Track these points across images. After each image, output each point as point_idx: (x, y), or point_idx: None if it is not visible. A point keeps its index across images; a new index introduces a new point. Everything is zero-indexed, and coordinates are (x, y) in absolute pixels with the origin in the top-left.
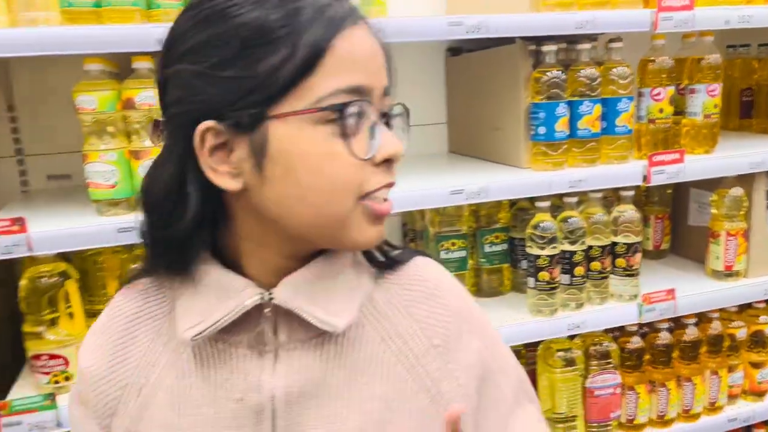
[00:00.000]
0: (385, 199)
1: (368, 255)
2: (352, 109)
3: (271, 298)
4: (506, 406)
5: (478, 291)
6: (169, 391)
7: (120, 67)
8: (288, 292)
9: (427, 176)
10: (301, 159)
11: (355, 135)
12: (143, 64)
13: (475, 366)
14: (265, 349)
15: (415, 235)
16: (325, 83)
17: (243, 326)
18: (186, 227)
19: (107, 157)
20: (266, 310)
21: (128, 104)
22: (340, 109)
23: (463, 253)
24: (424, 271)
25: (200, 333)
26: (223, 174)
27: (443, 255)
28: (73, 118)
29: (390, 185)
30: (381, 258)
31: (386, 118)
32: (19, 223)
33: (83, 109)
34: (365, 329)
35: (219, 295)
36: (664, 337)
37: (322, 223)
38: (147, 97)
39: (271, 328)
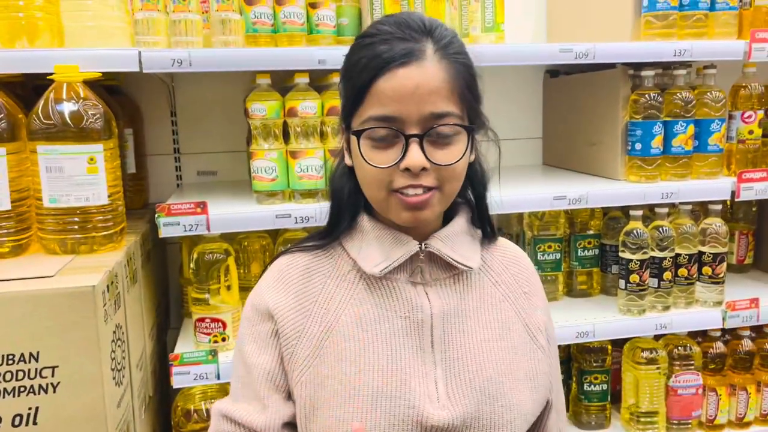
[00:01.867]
0: (417, 193)
1: (482, 228)
2: (377, 132)
3: (426, 247)
4: (555, 350)
5: (570, 292)
6: (351, 314)
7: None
8: (438, 244)
9: (528, 184)
10: (357, 158)
11: (388, 148)
12: (303, 80)
13: (543, 305)
14: (419, 282)
15: (510, 238)
16: (366, 111)
17: (400, 268)
18: (352, 192)
19: (270, 156)
20: (421, 256)
21: (291, 112)
22: (362, 131)
23: (558, 256)
24: (510, 245)
25: (384, 268)
26: (347, 155)
27: (540, 256)
28: (220, 124)
29: (413, 186)
30: (490, 232)
31: (430, 135)
32: (202, 206)
33: (255, 116)
34: (480, 276)
35: (392, 244)
36: (746, 344)
37: (374, 203)
38: (307, 107)
39: (419, 270)
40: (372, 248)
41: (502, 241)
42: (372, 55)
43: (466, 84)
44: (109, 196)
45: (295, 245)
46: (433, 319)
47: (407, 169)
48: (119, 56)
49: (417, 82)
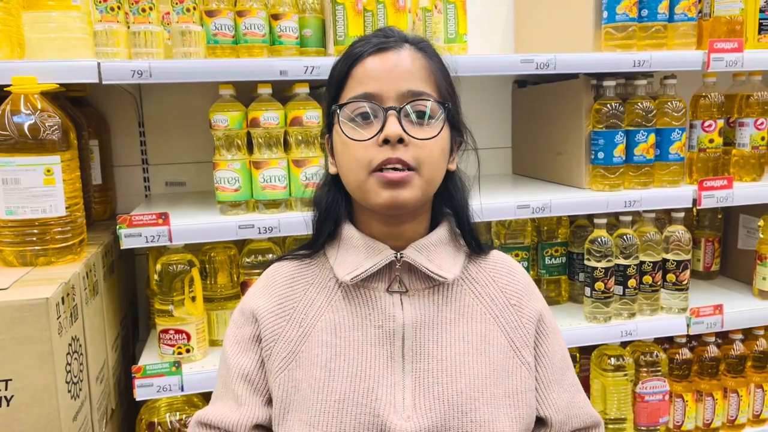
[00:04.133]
0: (396, 169)
1: (466, 241)
2: (356, 109)
3: (401, 257)
4: (553, 366)
5: None
6: (327, 321)
7: (237, 92)
8: (413, 253)
9: (495, 193)
10: (338, 144)
11: (367, 127)
12: (266, 90)
13: (535, 317)
14: (396, 292)
15: None
16: (347, 95)
17: (378, 277)
18: (332, 202)
19: (233, 166)
20: (397, 265)
21: (253, 123)
22: (342, 106)
23: (525, 264)
24: (504, 257)
25: (356, 276)
26: (332, 165)
27: None
28: (188, 134)
29: (393, 160)
30: (474, 245)
31: (405, 111)
32: (163, 217)
33: (217, 126)
34: (462, 288)
35: (367, 253)
36: (711, 351)
37: (355, 191)
38: (269, 117)
39: (398, 279)
40: (348, 256)
41: (495, 254)
42: (350, 51)
43: (443, 76)
44: (67, 208)
45: (287, 253)
46: (404, 329)
47: (385, 141)
48: (78, 67)
49: (395, 62)
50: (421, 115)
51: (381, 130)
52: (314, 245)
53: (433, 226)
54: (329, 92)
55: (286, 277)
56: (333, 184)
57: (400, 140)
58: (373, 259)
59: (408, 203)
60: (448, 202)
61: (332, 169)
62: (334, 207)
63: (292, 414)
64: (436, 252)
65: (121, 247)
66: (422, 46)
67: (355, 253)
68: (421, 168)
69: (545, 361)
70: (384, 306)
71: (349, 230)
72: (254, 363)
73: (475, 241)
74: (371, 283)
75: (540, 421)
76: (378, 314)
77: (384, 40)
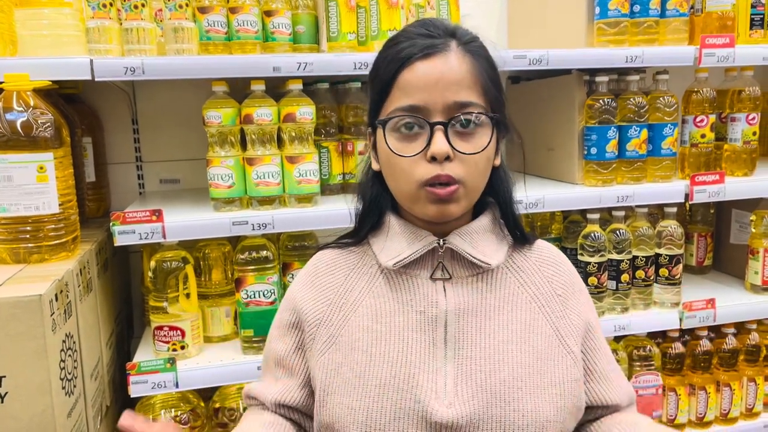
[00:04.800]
0: (446, 186)
1: (510, 232)
2: (402, 121)
3: (445, 243)
4: (606, 356)
5: None
6: (369, 306)
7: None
8: (457, 239)
9: None
10: (383, 153)
11: (414, 139)
12: (259, 87)
13: (583, 312)
14: (438, 279)
15: None
16: (392, 104)
17: (421, 263)
18: (376, 197)
19: (227, 163)
20: (440, 252)
21: (247, 119)
22: (388, 120)
23: None
24: (550, 247)
25: (398, 262)
26: (374, 161)
27: None
28: (182, 131)
29: (439, 176)
30: (519, 235)
31: (457, 124)
32: (157, 214)
33: (210, 123)
34: (507, 276)
35: (410, 239)
36: (704, 345)
37: (401, 199)
38: (263, 113)
39: (441, 266)
40: (392, 243)
41: (540, 244)
42: (396, 51)
43: (490, 78)
44: (60, 205)
45: (332, 242)
46: (447, 315)
47: (433, 158)
48: (71, 64)
49: (441, 71)
50: (468, 124)
51: (428, 146)
52: (356, 235)
53: (476, 213)
54: (372, 90)
55: (327, 264)
56: (376, 179)
57: (447, 156)
58: (416, 245)
59: (454, 215)
60: (492, 194)
61: (375, 166)
62: (378, 201)
63: (334, 397)
64: (480, 239)
65: (115, 244)
66: (470, 47)
67: (399, 240)
68: (467, 180)
69: (599, 353)
70: (426, 292)
71: (392, 219)
72: (288, 348)
73: (519, 231)
74: (414, 270)
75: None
76: (420, 300)
77: (431, 42)
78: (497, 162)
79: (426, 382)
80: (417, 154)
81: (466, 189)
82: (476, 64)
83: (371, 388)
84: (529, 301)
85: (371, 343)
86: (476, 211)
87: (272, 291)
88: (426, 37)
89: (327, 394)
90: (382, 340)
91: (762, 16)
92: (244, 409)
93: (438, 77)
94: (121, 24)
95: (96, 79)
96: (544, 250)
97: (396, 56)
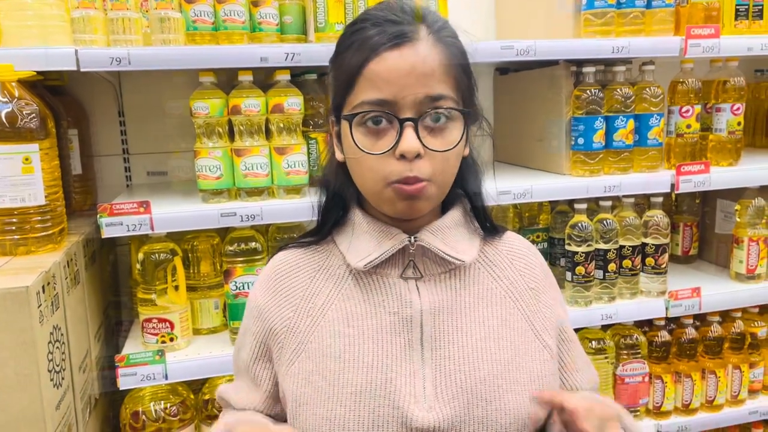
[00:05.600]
0: (413, 183)
1: (480, 223)
2: (370, 117)
3: (415, 240)
4: (576, 348)
5: None
6: (338, 310)
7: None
8: (428, 236)
9: None
10: (349, 148)
11: (382, 135)
12: (247, 78)
13: (553, 306)
14: (411, 278)
15: None
16: (359, 97)
17: (391, 262)
18: (339, 189)
19: (215, 154)
20: (411, 250)
21: (234, 110)
22: (355, 115)
23: None
24: (519, 239)
25: (369, 262)
26: (338, 151)
27: None
28: (169, 123)
29: (408, 175)
30: (489, 227)
31: (427, 118)
32: (144, 205)
33: (198, 114)
34: (480, 271)
35: (379, 238)
36: (689, 333)
37: (368, 195)
38: (250, 104)
39: (412, 264)
40: (360, 242)
41: (510, 236)
42: (363, 39)
43: (462, 68)
44: (46, 197)
45: (292, 242)
46: (423, 315)
47: (402, 156)
48: (55, 55)
49: (411, 63)
50: (438, 119)
51: (397, 143)
52: (320, 232)
53: (445, 207)
54: (336, 79)
55: (290, 266)
56: (340, 170)
57: (417, 154)
58: (386, 244)
59: (424, 212)
60: (460, 185)
61: (339, 156)
62: (342, 194)
63: (307, 408)
64: (451, 234)
65: (102, 236)
66: (441, 35)
67: (367, 239)
68: (437, 176)
69: (570, 345)
70: (399, 292)
71: (359, 215)
72: (253, 356)
73: (489, 222)
74: (384, 269)
75: None
76: (393, 300)
77: (400, 30)
78: (466, 152)
79: (404, 386)
80: (385, 152)
81: (435, 186)
82: (448, 53)
83: (346, 396)
84: (503, 296)
85: (343, 348)
86: (445, 204)
87: None
88: (394, 24)
89: (300, 405)
90: (355, 344)
91: (747, 7)
92: None
93: (408, 70)
94: (106, 14)
95: (81, 70)
96: (514, 242)
97: (363, 45)
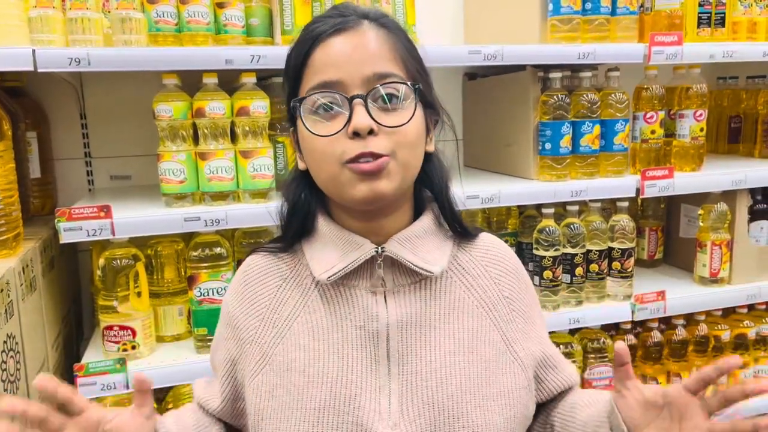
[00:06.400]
0: (369, 161)
1: (450, 226)
2: (318, 100)
3: (383, 251)
4: (551, 345)
5: None
6: (304, 322)
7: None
8: (396, 246)
9: None
10: (303, 140)
11: (333, 119)
12: (212, 80)
13: (529, 311)
14: (378, 290)
15: None
16: (306, 86)
17: (359, 273)
18: (300, 197)
19: (178, 158)
20: (379, 260)
21: (199, 113)
22: (302, 101)
23: None
24: (493, 241)
25: (333, 275)
26: (300, 160)
27: None
28: (133, 126)
29: (367, 154)
30: (459, 230)
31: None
32: (105, 210)
33: (161, 117)
34: (452, 280)
35: (345, 249)
36: (655, 336)
37: (328, 187)
38: (215, 107)
39: (380, 275)
40: (325, 253)
41: (485, 238)
42: (305, 33)
43: (408, 52)
44: (0, 201)
45: (264, 245)
46: (389, 329)
47: (355, 134)
48: (12, 55)
49: (355, 44)
50: (390, 98)
51: (348, 121)
52: (283, 240)
53: (416, 215)
54: (287, 83)
55: (259, 272)
56: (302, 179)
57: (371, 131)
58: (351, 255)
59: (387, 194)
60: (427, 185)
61: (301, 165)
62: (304, 202)
63: (270, 422)
64: (421, 243)
65: (61, 242)
66: (384, 22)
67: (332, 249)
68: (397, 153)
69: (547, 342)
70: (366, 304)
71: (323, 224)
72: (220, 361)
73: (458, 224)
74: (351, 281)
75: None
76: (359, 314)
77: (342, 20)
78: (430, 148)
79: (368, 403)
80: (338, 132)
81: (396, 162)
82: (392, 35)
83: (310, 412)
84: (476, 306)
85: (308, 363)
86: (416, 213)
87: (226, 288)
88: (337, 17)
89: (262, 419)
90: (320, 359)
91: (709, 15)
92: None
93: (352, 50)
94: (65, 14)
95: (39, 70)
96: (490, 246)
97: (305, 38)
